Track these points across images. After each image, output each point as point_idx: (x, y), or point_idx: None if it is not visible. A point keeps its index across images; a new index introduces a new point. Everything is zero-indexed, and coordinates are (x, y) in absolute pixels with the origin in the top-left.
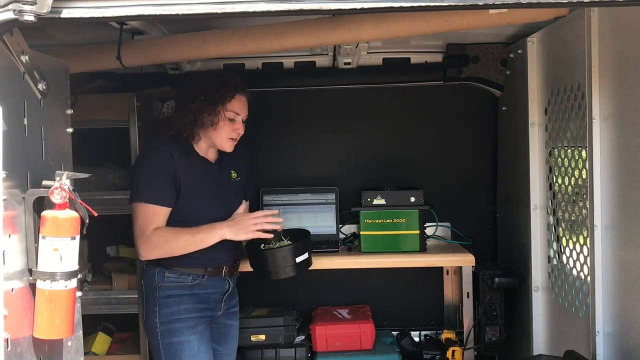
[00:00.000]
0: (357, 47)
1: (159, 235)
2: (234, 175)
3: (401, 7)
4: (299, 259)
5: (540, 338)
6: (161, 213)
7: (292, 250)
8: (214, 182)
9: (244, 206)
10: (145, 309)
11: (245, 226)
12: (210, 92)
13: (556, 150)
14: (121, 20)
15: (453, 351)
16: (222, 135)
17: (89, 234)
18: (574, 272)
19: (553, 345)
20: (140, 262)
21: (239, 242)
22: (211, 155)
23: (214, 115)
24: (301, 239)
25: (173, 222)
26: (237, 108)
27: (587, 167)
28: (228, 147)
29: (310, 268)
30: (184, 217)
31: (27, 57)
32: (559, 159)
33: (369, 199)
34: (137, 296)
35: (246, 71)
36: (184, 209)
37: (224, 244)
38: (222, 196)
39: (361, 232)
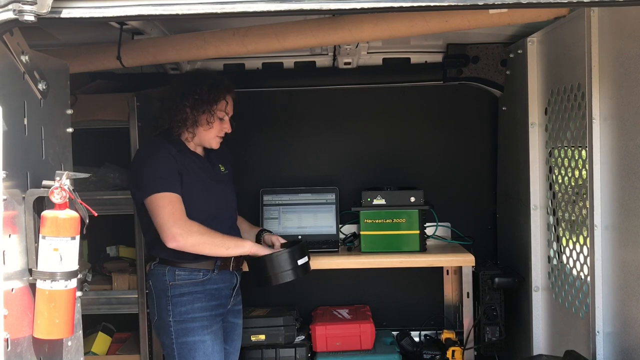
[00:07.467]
0: (357, 47)
1: (200, 227)
2: (222, 169)
3: (401, 7)
4: (299, 262)
5: (540, 338)
6: (181, 202)
7: (290, 253)
8: (209, 175)
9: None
10: (157, 309)
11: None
12: (204, 92)
13: (556, 150)
14: (121, 20)
15: (453, 351)
16: (212, 134)
17: (89, 234)
18: (574, 272)
19: (553, 345)
20: (141, 262)
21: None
22: (199, 151)
23: (206, 114)
24: (297, 244)
25: None
26: (229, 109)
27: (587, 167)
28: (215, 144)
29: (310, 268)
30: (188, 207)
31: (27, 57)
32: (559, 159)
33: (369, 199)
34: (137, 296)
35: (246, 71)
36: (188, 200)
37: (230, 235)
38: (219, 187)
39: (361, 232)
